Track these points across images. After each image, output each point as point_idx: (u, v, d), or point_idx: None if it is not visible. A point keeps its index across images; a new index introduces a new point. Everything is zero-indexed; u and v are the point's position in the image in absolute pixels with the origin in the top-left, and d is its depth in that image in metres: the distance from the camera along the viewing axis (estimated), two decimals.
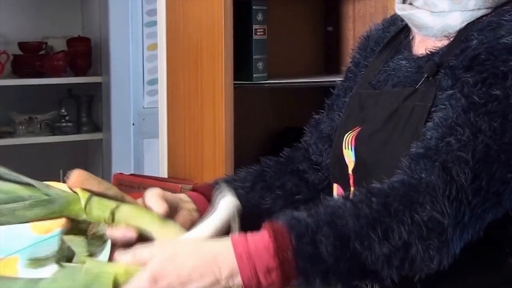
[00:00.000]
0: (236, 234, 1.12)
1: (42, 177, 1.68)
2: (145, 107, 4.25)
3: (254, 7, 2.49)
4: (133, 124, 4.23)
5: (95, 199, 1.19)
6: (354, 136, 1.34)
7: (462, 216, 1.11)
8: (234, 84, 2.38)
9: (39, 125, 4.15)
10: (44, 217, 1.17)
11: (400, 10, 1.37)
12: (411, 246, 1.09)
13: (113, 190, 1.23)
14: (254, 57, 2.50)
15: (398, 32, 1.43)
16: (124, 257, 1.12)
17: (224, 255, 1.08)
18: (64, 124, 4.19)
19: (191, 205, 1.32)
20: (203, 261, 1.08)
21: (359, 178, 1.32)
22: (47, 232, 1.22)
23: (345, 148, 1.36)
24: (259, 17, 2.51)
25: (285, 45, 2.80)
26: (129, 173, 2.87)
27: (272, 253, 1.07)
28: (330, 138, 1.46)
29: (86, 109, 4.28)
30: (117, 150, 4.20)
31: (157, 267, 1.07)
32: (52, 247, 1.18)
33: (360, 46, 1.51)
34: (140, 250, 1.11)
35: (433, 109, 1.22)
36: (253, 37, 2.50)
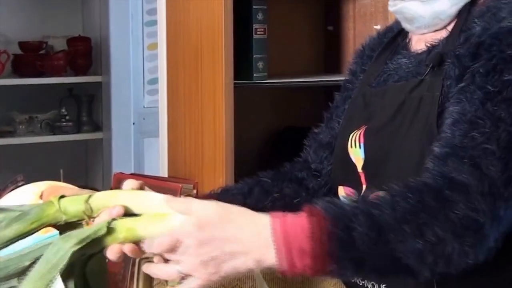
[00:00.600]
0: (275, 212, 1.11)
1: (42, 177, 1.68)
2: (145, 106, 4.25)
3: (254, 7, 2.49)
4: (134, 124, 4.23)
5: (67, 197, 1.18)
6: (362, 132, 1.35)
7: (497, 210, 1.12)
8: (234, 83, 2.38)
9: (39, 125, 4.15)
10: (25, 230, 1.16)
11: (392, 6, 1.39)
12: (446, 243, 1.09)
13: (85, 191, 1.23)
14: (254, 56, 2.50)
15: (394, 36, 1.45)
16: (176, 204, 1.11)
17: (263, 229, 1.08)
18: (64, 123, 4.18)
19: None
20: (248, 229, 1.08)
21: (371, 174, 1.32)
22: (47, 232, 1.22)
23: (352, 147, 1.36)
24: (259, 16, 2.51)
25: (285, 45, 2.80)
26: (129, 173, 2.87)
27: (308, 235, 1.07)
28: (330, 145, 1.47)
29: (86, 108, 4.28)
30: (118, 149, 4.20)
31: (206, 217, 1.08)
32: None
33: (356, 56, 1.53)
34: (195, 201, 1.11)
35: (446, 103, 1.23)
36: (253, 37, 2.50)
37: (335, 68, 2.86)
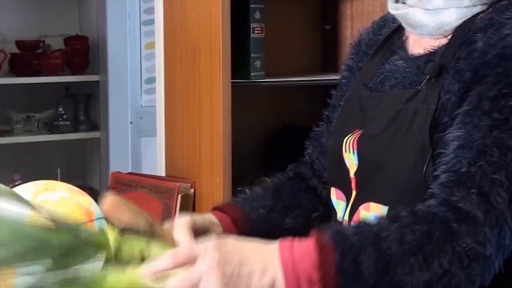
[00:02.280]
0: (283, 240, 1.13)
1: (39, 176, 1.67)
2: (142, 105, 4.24)
3: (251, 6, 2.49)
4: (131, 123, 4.23)
5: (125, 240, 1.17)
6: (356, 138, 1.34)
7: (503, 240, 1.13)
8: (232, 82, 2.38)
9: (36, 124, 4.14)
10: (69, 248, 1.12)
11: (394, 9, 1.36)
12: (453, 275, 1.10)
13: (143, 219, 1.23)
14: (251, 55, 2.50)
15: (391, 34, 1.43)
16: (181, 251, 1.11)
17: (271, 257, 1.10)
18: (61, 122, 4.18)
19: (219, 229, 1.36)
20: (261, 259, 1.09)
21: (362, 181, 1.32)
22: None
23: (346, 151, 1.35)
24: (257, 15, 2.51)
25: (283, 44, 2.80)
26: (126, 172, 2.87)
27: (316, 266, 1.09)
28: None
29: (83, 107, 4.28)
30: (115, 148, 4.20)
31: (219, 243, 1.08)
32: None
33: (352, 51, 1.51)
34: (195, 244, 1.12)
35: (444, 118, 1.22)
36: (251, 36, 2.50)
37: (333, 67, 2.86)
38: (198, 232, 1.32)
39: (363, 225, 1.14)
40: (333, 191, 1.40)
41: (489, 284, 1.15)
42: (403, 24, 1.37)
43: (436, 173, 1.18)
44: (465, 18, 1.28)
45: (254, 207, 1.42)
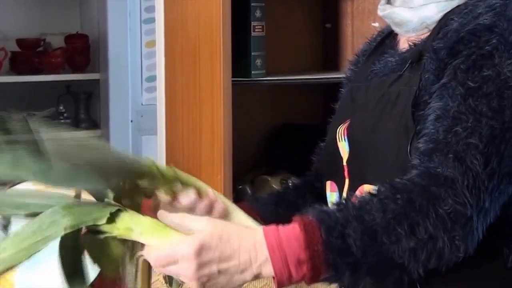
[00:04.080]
0: (267, 226, 1.15)
1: None
2: (143, 104, 4.24)
3: (252, 4, 2.49)
4: (131, 121, 4.23)
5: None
6: (346, 127, 1.38)
7: (483, 203, 1.16)
8: (233, 81, 2.38)
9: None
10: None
11: (382, 11, 1.43)
12: (437, 239, 1.13)
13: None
14: (252, 54, 2.50)
15: (383, 39, 1.49)
16: (171, 218, 1.15)
17: (258, 244, 1.11)
18: (62, 121, 4.18)
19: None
20: (244, 246, 1.11)
21: (354, 167, 1.36)
22: None
23: (339, 140, 1.39)
24: (258, 14, 2.51)
25: (284, 42, 2.80)
26: None
27: (303, 246, 1.10)
28: None
29: (84, 106, 4.28)
30: (115, 147, 4.19)
31: (205, 241, 1.10)
32: None
33: (352, 62, 1.56)
34: (189, 218, 1.15)
35: (425, 97, 1.26)
36: (252, 34, 2.50)
37: (333, 65, 2.86)
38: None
39: (345, 202, 1.17)
40: (328, 185, 1.43)
41: (474, 253, 1.17)
42: (391, 24, 1.43)
43: (417, 145, 1.22)
44: (446, 11, 1.33)
45: (263, 203, 1.46)
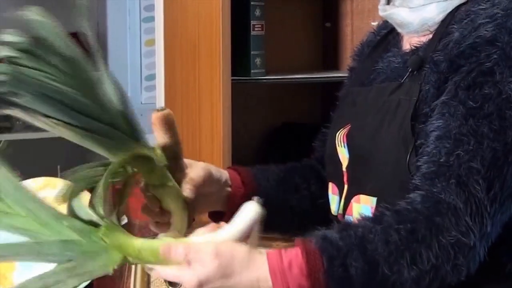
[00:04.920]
0: (270, 250, 1.15)
1: (40, 173, 1.68)
2: (142, 102, 4.24)
3: (252, 3, 2.49)
4: None
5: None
6: (346, 133, 1.37)
7: (485, 228, 1.15)
8: (232, 80, 2.38)
9: None
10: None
11: (382, 11, 1.41)
12: (440, 268, 1.13)
13: (176, 142, 1.28)
14: (252, 53, 2.50)
15: (387, 33, 1.46)
16: (177, 250, 1.14)
17: (260, 270, 1.12)
18: None
19: (228, 187, 1.40)
20: (246, 274, 1.12)
21: (353, 174, 1.35)
22: None
23: (339, 145, 1.38)
24: (257, 13, 2.51)
25: (283, 41, 2.80)
26: None
27: (305, 274, 1.11)
28: None
29: None
30: None
31: (208, 279, 1.11)
32: None
33: (357, 52, 1.54)
34: (196, 241, 1.14)
35: (425, 109, 1.25)
36: (251, 33, 2.50)
37: (333, 64, 2.86)
38: (210, 183, 1.35)
39: (348, 229, 1.16)
40: (330, 186, 1.42)
41: (474, 272, 1.17)
42: (393, 24, 1.41)
43: (418, 163, 1.21)
44: (447, 11, 1.31)
45: (265, 176, 1.45)
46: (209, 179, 1.34)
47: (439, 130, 1.20)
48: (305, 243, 1.14)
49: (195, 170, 1.32)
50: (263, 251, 1.14)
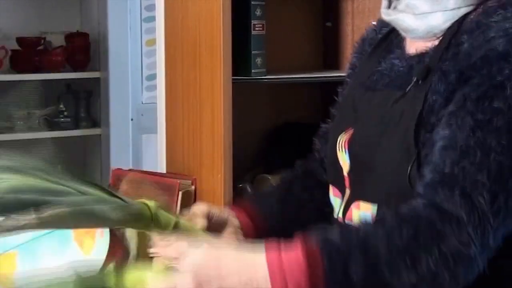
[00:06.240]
0: (269, 246, 1.14)
1: None
2: (143, 102, 4.25)
3: (252, 3, 2.49)
4: (132, 120, 4.23)
5: (161, 210, 1.24)
6: (347, 139, 1.36)
7: (487, 240, 1.15)
8: (233, 79, 2.38)
9: (37, 121, 4.15)
10: (121, 220, 1.20)
11: (386, 15, 1.39)
12: (438, 275, 1.13)
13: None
14: (252, 52, 2.50)
15: (388, 32, 1.44)
16: (165, 251, 1.16)
17: (258, 268, 1.12)
18: (62, 119, 4.19)
19: (236, 222, 1.39)
20: (243, 273, 1.12)
21: (354, 180, 1.34)
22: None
23: (339, 150, 1.37)
24: (258, 12, 2.51)
25: (284, 41, 2.80)
26: (127, 168, 2.87)
27: (305, 273, 1.11)
28: None
29: (84, 104, 4.28)
30: (116, 145, 4.20)
31: (202, 273, 1.12)
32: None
33: (357, 49, 1.52)
34: (182, 247, 1.15)
35: (431, 118, 1.24)
36: (252, 33, 2.50)
37: (334, 64, 2.86)
38: (213, 223, 1.35)
39: (349, 230, 1.17)
40: (331, 188, 1.42)
41: (474, 284, 1.17)
42: (397, 28, 1.39)
43: (422, 172, 1.21)
44: (453, 20, 1.30)
45: (268, 203, 1.45)
46: (211, 214, 1.36)
47: (445, 140, 1.20)
48: (306, 243, 1.14)
49: (195, 216, 1.35)
50: (261, 249, 1.14)
